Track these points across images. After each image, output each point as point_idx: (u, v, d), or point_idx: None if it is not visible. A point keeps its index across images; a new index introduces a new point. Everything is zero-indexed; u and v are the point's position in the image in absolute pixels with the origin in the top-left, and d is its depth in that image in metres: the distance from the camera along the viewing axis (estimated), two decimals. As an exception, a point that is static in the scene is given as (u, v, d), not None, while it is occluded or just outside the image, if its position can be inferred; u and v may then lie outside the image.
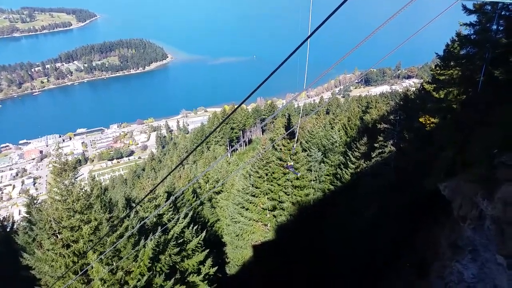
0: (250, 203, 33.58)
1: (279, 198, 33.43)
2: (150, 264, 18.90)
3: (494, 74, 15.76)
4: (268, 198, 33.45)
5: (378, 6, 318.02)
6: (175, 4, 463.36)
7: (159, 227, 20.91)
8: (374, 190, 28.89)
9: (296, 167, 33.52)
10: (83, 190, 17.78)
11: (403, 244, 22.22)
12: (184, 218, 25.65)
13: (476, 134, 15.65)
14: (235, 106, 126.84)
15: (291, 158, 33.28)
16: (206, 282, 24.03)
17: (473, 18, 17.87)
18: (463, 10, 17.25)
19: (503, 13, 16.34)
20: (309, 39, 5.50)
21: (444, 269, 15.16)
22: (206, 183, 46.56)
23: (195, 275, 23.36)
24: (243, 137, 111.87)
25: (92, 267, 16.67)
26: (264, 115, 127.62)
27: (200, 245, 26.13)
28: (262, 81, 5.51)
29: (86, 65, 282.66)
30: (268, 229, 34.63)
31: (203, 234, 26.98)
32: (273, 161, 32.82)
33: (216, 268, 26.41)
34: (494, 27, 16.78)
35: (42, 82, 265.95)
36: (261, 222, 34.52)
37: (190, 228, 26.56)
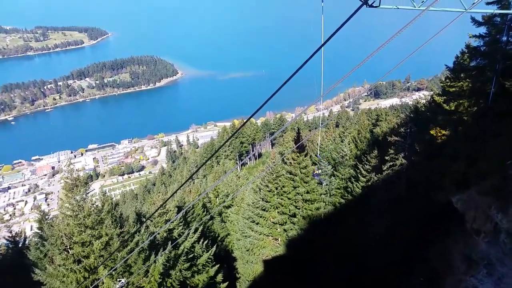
0: (261, 217, 33.42)
1: (289, 212, 33.25)
2: (160, 280, 18.82)
3: (505, 85, 15.65)
4: (278, 212, 33.27)
5: (387, 18, 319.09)
6: (185, 21, 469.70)
7: (170, 242, 20.86)
8: (386, 203, 28.58)
9: (306, 181, 33.42)
10: (94, 206, 17.88)
11: (416, 258, 21.84)
12: (194, 232, 25.60)
13: (489, 146, 15.46)
14: (245, 120, 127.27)
15: (300, 172, 33.19)
16: (216, 297, 23.85)
17: (482, 30, 17.85)
18: (472, 22, 17.25)
19: (512, 24, 16.31)
20: (323, 48, 5.54)
21: (459, 284, 14.83)
22: (216, 197, 46.50)
23: (206, 290, 23.20)
24: (253, 151, 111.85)
25: (102, 283, 16.65)
26: (273, 129, 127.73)
27: (210, 260, 25.99)
28: (275, 91, 5.56)
29: (97, 82, 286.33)
30: (279, 243, 34.36)
31: (213, 249, 26.87)
32: (283, 174, 32.74)
33: (226, 283, 26.21)
34: (504, 38, 16.72)
35: (54, 99, 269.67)
36: (272, 236, 34.28)
37: (200, 243, 26.48)
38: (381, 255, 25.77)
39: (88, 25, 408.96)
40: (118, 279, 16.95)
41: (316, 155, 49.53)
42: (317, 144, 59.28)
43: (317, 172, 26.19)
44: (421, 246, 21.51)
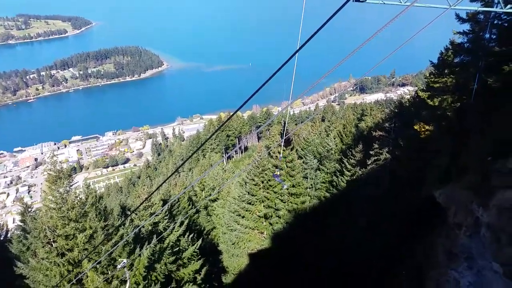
0: (246, 210, 33.53)
1: (275, 206, 33.40)
2: (145, 273, 18.78)
3: (487, 82, 15.92)
4: (264, 206, 33.41)
5: (372, 14, 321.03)
6: (170, 12, 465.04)
7: (155, 236, 20.80)
8: (370, 197, 28.93)
9: (292, 175, 33.55)
10: (78, 198, 17.69)
11: (399, 252, 22.21)
12: (180, 226, 25.56)
13: (470, 141, 15.76)
14: (231, 114, 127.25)
15: (286, 166, 33.34)
16: (202, 291, 23.92)
17: (466, 26, 18.13)
18: (456, 19, 17.47)
19: (495, 22, 16.58)
20: (297, 54, 5.59)
21: (440, 277, 15.16)
22: (202, 190, 46.43)
23: (191, 284, 23.23)
24: (239, 144, 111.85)
25: (87, 276, 16.54)
26: (259, 122, 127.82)
27: (196, 253, 26.02)
28: (252, 94, 5.58)
29: (81, 72, 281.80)
30: (264, 237, 34.54)
31: (199, 242, 26.88)
32: (269, 168, 32.84)
33: (212, 276, 26.29)
34: (487, 35, 17.01)
35: (37, 89, 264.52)
36: (257, 230, 34.44)
37: (186, 236, 26.45)
38: (365, 248, 26.14)
39: (71, 14, 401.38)
40: (120, 259, 16.90)
41: (302, 150, 49.77)
42: (303, 138, 59.58)
43: (277, 173, 26.16)
44: (404, 239, 21.88)
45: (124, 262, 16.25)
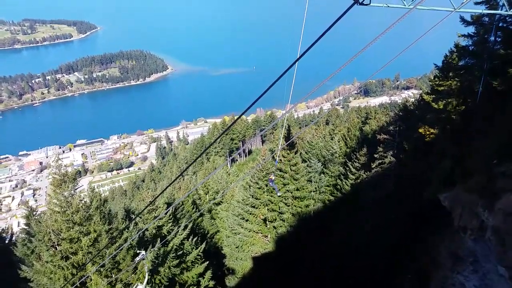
0: (250, 214, 33.46)
1: (279, 209, 33.33)
2: (149, 276, 18.75)
3: (492, 84, 15.85)
4: (268, 209, 33.33)
5: (377, 17, 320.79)
6: (175, 16, 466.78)
7: (159, 239, 20.80)
8: (374, 201, 28.82)
9: (296, 178, 33.46)
10: (83, 202, 17.71)
11: (404, 255, 22.06)
12: (184, 229, 25.55)
13: (476, 144, 15.67)
14: (235, 117, 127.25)
15: (290, 169, 33.27)
16: (205, 294, 23.85)
17: (471, 29, 18.06)
18: (461, 21, 17.41)
19: (500, 24, 16.51)
20: (297, 63, 5.59)
21: (445, 280, 15.04)
22: (206, 194, 46.39)
23: (195, 287, 23.18)
24: (243, 146, 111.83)
25: (91, 279, 16.54)
26: (263, 126, 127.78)
27: (199, 257, 25.97)
28: (253, 101, 5.59)
29: (86, 76, 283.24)
30: (268, 240, 34.45)
31: (203, 245, 26.85)
32: (273, 172, 32.80)
33: (215, 280, 26.20)
34: (492, 38, 16.93)
35: (43, 93, 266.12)
36: (261, 233, 34.36)
37: (190, 239, 26.43)
38: (368, 252, 25.99)
39: (76, 18, 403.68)
40: (138, 252, 16.96)
41: (306, 153, 49.64)
42: (307, 141, 59.44)
43: (271, 177, 25.91)
44: (408, 243, 21.73)
45: (143, 254, 16.26)
